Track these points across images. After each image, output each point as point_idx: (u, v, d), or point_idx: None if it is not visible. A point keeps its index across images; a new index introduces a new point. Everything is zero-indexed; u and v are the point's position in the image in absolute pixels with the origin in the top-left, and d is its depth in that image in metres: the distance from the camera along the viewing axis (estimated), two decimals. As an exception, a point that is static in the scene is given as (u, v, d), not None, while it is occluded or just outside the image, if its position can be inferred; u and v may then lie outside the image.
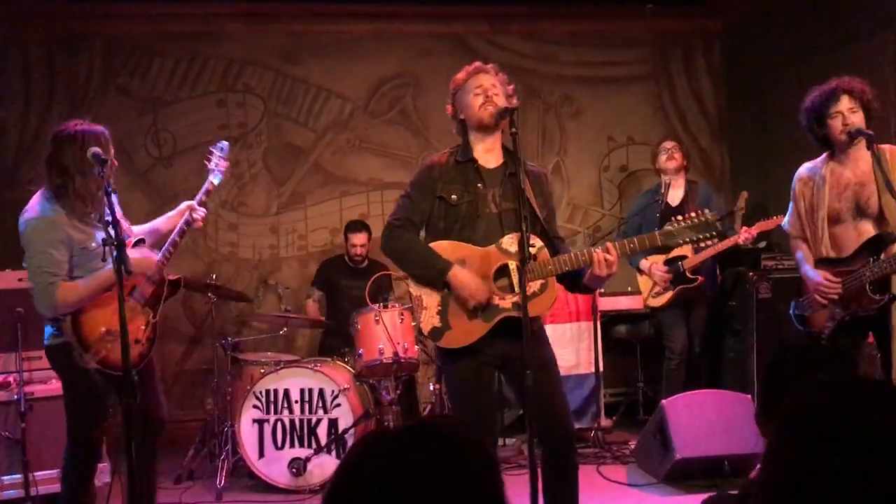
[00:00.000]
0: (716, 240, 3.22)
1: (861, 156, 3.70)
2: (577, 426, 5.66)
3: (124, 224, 3.65)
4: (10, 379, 4.52)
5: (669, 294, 5.60)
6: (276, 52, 6.62)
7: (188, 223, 3.72)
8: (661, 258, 5.66)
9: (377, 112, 6.75)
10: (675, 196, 5.74)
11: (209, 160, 3.88)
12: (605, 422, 5.75)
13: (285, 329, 5.65)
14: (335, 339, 5.82)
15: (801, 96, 6.06)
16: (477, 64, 3.48)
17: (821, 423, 1.18)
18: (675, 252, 5.63)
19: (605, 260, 3.12)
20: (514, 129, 3.11)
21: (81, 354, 3.43)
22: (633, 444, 5.43)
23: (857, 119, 3.65)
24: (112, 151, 3.53)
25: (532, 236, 3.16)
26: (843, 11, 5.68)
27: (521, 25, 6.92)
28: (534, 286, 3.20)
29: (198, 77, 6.52)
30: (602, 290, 5.90)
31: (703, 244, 3.21)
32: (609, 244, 3.16)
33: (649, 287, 5.71)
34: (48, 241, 3.35)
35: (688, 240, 3.19)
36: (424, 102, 6.79)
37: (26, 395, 4.40)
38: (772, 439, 1.27)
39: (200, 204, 3.77)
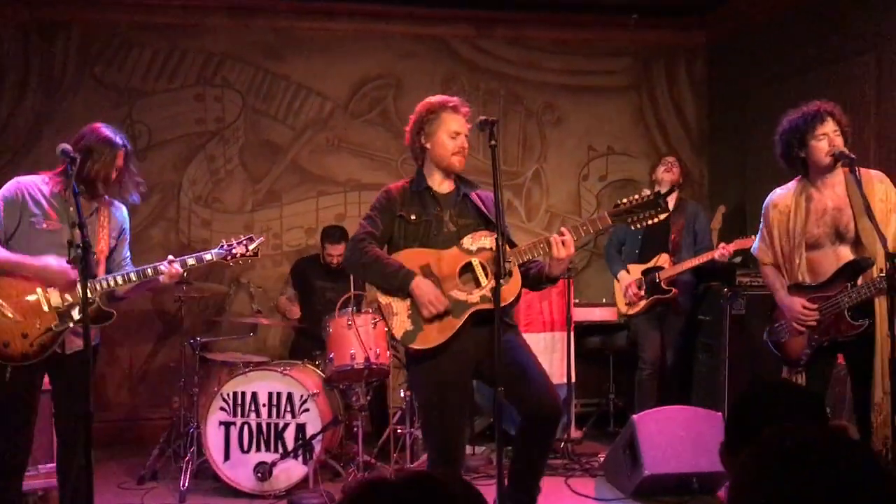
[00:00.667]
0: (660, 216, 3.34)
1: (837, 180, 3.68)
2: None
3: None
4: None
5: (643, 303, 5.63)
6: (257, 48, 6.52)
7: (156, 270, 3.56)
8: (640, 269, 5.68)
9: (357, 112, 6.68)
10: None
11: (229, 239, 3.82)
12: (575, 433, 5.73)
13: (254, 333, 5.58)
14: (307, 341, 5.75)
15: (783, 114, 6.12)
16: (456, 100, 3.57)
17: (790, 469, 1.17)
18: (653, 262, 5.67)
19: (562, 242, 3.31)
20: (493, 142, 3.10)
21: None
22: (602, 457, 5.40)
23: (840, 143, 3.62)
24: (116, 163, 3.51)
25: (487, 234, 3.43)
26: (827, 32, 5.69)
27: (506, 31, 6.88)
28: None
29: (176, 69, 6.40)
30: (577, 301, 5.90)
31: (649, 221, 3.33)
32: (563, 228, 3.35)
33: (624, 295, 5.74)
34: (2, 201, 3.47)
35: (634, 218, 3.31)
36: (406, 104, 6.71)
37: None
38: (739, 479, 1.26)
39: (182, 265, 3.62)
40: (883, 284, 3.40)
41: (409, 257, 3.46)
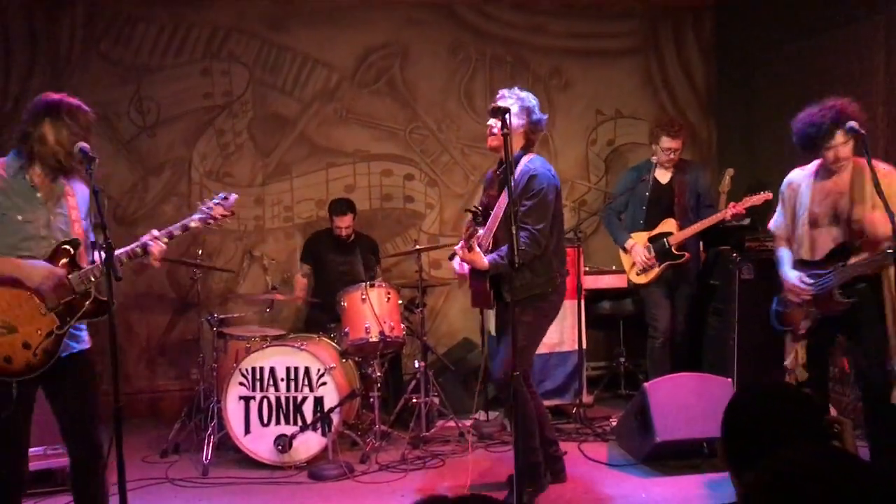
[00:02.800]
0: None
1: (846, 168, 3.97)
2: (559, 402, 5.79)
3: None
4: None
5: (656, 270, 5.63)
6: (261, 20, 6.50)
7: (144, 247, 3.36)
8: (645, 236, 5.69)
9: (364, 82, 6.67)
10: (664, 175, 5.74)
11: (204, 202, 3.64)
12: (587, 398, 5.82)
13: (269, 309, 5.66)
14: (321, 314, 5.84)
15: (791, 75, 6.10)
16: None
17: (797, 497, 1.20)
18: (660, 228, 5.66)
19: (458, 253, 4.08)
20: (505, 130, 3.12)
21: None
22: (614, 420, 5.52)
23: (848, 150, 3.89)
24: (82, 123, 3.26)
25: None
26: (836, -7, 5.65)
27: (511, -5, 6.84)
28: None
29: (182, 44, 6.39)
30: (586, 269, 5.95)
31: None
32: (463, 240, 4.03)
33: (632, 263, 5.74)
34: None
35: None
36: (412, 73, 6.72)
37: None
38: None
39: (168, 237, 3.44)
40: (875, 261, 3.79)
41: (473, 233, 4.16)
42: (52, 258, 3.24)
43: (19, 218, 3.20)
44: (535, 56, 6.90)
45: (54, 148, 3.20)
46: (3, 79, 6.16)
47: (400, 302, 5.31)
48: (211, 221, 3.60)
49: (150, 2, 6.32)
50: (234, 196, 3.66)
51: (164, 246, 3.42)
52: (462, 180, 6.81)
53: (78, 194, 3.38)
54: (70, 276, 3.24)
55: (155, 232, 3.44)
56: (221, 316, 5.45)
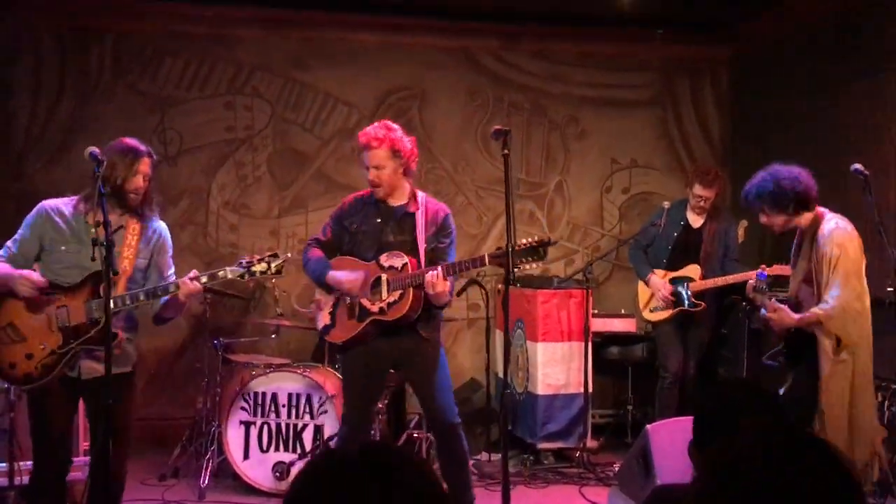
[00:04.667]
0: (537, 263, 3.56)
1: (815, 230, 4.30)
2: (562, 446, 5.72)
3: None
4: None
5: (668, 313, 5.61)
6: (285, 58, 6.67)
7: (167, 289, 3.43)
8: (667, 276, 5.65)
9: (383, 122, 6.78)
10: (696, 220, 5.74)
11: (251, 254, 3.57)
12: (591, 443, 5.75)
13: (275, 335, 5.70)
14: (329, 345, 5.84)
15: (806, 130, 6.13)
16: (367, 136, 3.92)
17: (747, 471, 1.19)
18: (683, 272, 5.64)
19: (430, 282, 3.65)
20: (505, 151, 3.19)
21: None
22: (618, 467, 5.43)
23: (776, 220, 4.29)
24: (139, 168, 3.44)
25: (403, 255, 3.83)
26: (850, 49, 5.71)
27: (531, 44, 6.97)
28: (394, 295, 3.81)
29: (207, 78, 6.57)
30: (596, 311, 5.94)
31: (526, 267, 3.56)
32: (440, 266, 3.70)
33: (647, 299, 5.71)
34: (25, 223, 3.50)
35: (514, 261, 3.46)
36: (430, 115, 6.83)
37: (16, 384, 4.42)
38: (700, 481, 1.28)
39: (194, 280, 3.43)
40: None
41: (340, 263, 3.96)
42: (81, 285, 3.39)
43: (63, 248, 3.42)
44: (553, 103, 7.00)
45: (115, 187, 3.39)
46: (32, 103, 6.34)
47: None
48: (247, 277, 3.51)
49: (178, 36, 6.53)
50: (286, 255, 3.54)
51: (198, 286, 3.44)
52: (476, 221, 6.87)
53: (145, 235, 3.53)
54: (88, 302, 3.37)
55: (194, 272, 3.50)
56: (227, 341, 5.48)
